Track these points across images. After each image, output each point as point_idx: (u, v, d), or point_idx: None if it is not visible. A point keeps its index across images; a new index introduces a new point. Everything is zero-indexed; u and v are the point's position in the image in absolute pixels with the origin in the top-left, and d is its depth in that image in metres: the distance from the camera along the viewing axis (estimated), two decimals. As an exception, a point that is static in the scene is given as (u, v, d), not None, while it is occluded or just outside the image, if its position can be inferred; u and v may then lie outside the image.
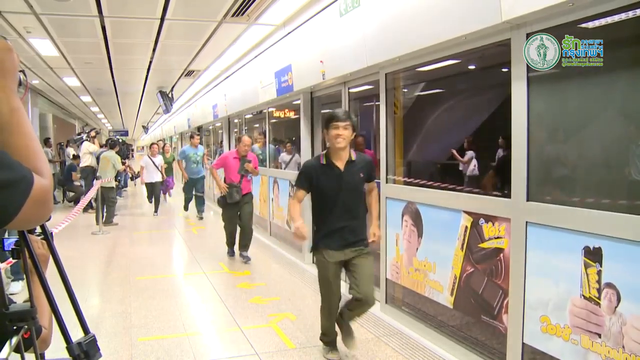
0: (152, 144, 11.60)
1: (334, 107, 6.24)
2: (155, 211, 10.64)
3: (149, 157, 10.73)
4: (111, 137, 20.02)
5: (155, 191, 10.65)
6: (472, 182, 5.60)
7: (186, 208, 10.61)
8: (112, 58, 8.11)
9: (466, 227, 3.33)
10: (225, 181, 6.25)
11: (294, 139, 7.66)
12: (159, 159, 10.82)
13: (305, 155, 6.27)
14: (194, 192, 10.25)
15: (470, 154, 5.81)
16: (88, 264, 6.47)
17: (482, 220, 3.20)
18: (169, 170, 11.99)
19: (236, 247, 6.52)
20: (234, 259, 6.48)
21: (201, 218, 10.04)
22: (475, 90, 5.18)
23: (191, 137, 10.17)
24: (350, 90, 5.23)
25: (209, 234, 8.53)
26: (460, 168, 5.86)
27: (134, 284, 5.47)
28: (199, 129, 14.96)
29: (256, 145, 8.59)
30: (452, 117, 5.67)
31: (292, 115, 8.66)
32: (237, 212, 6.28)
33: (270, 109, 8.01)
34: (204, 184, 10.55)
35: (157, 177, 10.62)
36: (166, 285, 5.45)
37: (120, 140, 10.90)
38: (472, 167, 5.74)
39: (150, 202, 11.02)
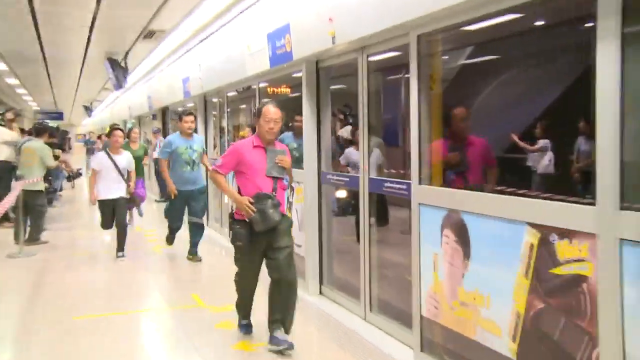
0: (130, 130, 11.29)
1: (348, 81, 6.20)
2: (120, 250, 8.30)
3: (108, 153, 8.19)
4: (39, 121, 20.15)
5: (118, 215, 8.14)
6: (546, 182, 5.55)
7: (170, 241, 8.40)
8: (37, 10, 8.05)
9: (532, 245, 3.29)
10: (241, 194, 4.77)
11: (290, 124, 7.64)
12: (125, 157, 8.25)
13: (309, 144, 6.24)
14: (185, 217, 8.13)
15: (544, 143, 5.75)
16: (1, 299, 6.45)
17: (554, 236, 3.15)
18: (137, 171, 9.11)
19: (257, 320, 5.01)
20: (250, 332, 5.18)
21: (195, 259, 8.08)
22: (544, 55, 5.12)
23: (180, 118, 7.84)
24: (370, 59, 5.21)
25: (177, 253, 8.52)
26: (529, 163, 5.82)
27: (69, 325, 5.45)
28: (164, 111, 15.00)
29: (289, 134, 7.43)
30: (511, 94, 5.62)
31: (290, 92, 8.63)
32: (262, 253, 4.72)
33: (261, 84, 7.99)
34: (206, 202, 8.80)
35: (120, 191, 8.12)
36: (116, 327, 5.43)
37: (55, 126, 10.89)
38: (547, 162, 5.69)
39: (107, 228, 8.39)
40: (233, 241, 4.68)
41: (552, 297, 3.19)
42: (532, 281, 3.31)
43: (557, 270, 3.14)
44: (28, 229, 9.38)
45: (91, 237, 10.24)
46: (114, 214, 8.13)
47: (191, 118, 7.66)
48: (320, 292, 6.24)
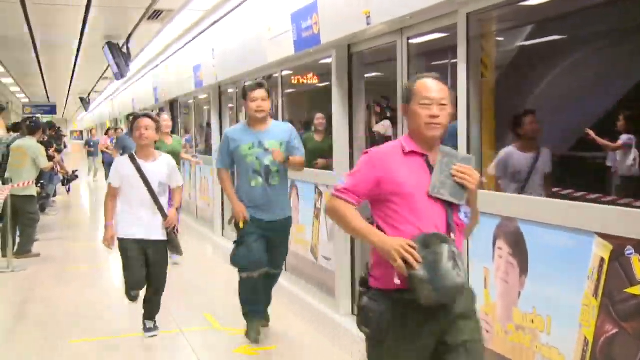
0: (157, 117, 6.15)
1: (385, 68, 6.21)
2: (150, 319, 6.02)
3: (134, 158, 5.74)
4: (29, 115, 20.39)
5: (155, 268, 5.86)
6: (629, 186, 5.47)
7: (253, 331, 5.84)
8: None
9: (602, 259, 3.26)
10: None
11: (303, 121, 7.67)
12: (164, 165, 5.86)
13: (339, 142, 6.25)
14: None
15: (627, 139, 5.65)
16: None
17: (629, 250, 3.12)
18: None
19: None
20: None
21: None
22: (622, 34, 5.05)
23: (244, 95, 5.68)
24: (412, 42, 5.20)
25: (188, 268, 8.60)
26: (609, 164, 5.73)
27: (64, 351, 5.52)
28: (172, 103, 15.16)
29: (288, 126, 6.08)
30: (581, 81, 5.56)
31: (317, 82, 8.66)
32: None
33: (285, 73, 8.03)
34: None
35: (155, 226, 5.75)
36: (119, 353, 5.52)
37: (48, 122, 11.00)
38: (630, 162, 5.60)
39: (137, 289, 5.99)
40: (366, 328, 2.98)
41: (628, 321, 3.16)
42: (602, 302, 3.28)
43: (634, 290, 3.11)
44: (17, 239, 9.53)
45: (88, 249, 10.39)
46: (147, 264, 5.75)
47: (261, 94, 5.50)
48: (353, 312, 6.25)
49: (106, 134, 21.07)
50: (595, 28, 5.13)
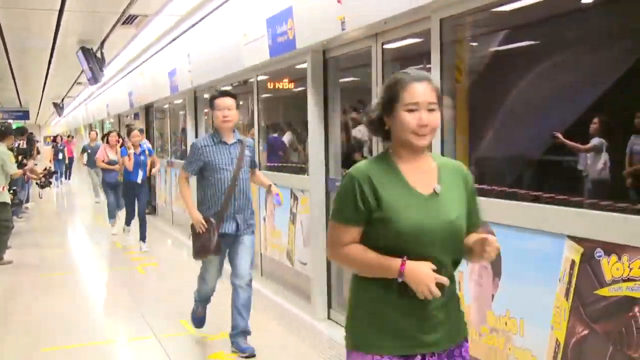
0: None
1: (360, 72, 6.24)
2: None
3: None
4: (0, 121, 20.06)
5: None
6: (600, 190, 5.51)
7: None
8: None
9: (573, 261, 3.30)
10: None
11: (289, 123, 7.68)
12: None
13: (314, 146, 6.28)
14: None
15: (598, 142, 5.69)
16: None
17: (599, 252, 3.17)
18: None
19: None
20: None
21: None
22: (595, 40, 5.12)
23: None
24: (386, 47, 5.24)
25: (164, 273, 8.56)
26: (580, 167, 5.78)
27: (36, 359, 5.46)
28: (148, 109, 15.09)
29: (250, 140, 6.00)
30: (553, 86, 5.62)
31: (294, 87, 8.68)
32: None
33: (260, 78, 8.04)
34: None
35: None
36: (92, 359, 5.45)
37: (20, 128, 10.84)
38: (601, 166, 5.64)
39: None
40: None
41: (598, 322, 3.20)
42: (573, 304, 3.32)
43: (604, 292, 3.15)
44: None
45: (62, 256, 10.30)
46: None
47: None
48: (329, 317, 6.27)
49: (106, 140, 12.48)
50: (569, 33, 5.18)
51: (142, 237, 10.23)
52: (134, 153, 10.25)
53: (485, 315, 3.97)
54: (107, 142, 12.13)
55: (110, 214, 12.16)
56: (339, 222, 2.49)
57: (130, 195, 10.52)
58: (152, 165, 10.92)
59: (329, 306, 6.31)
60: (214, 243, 5.11)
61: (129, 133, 10.72)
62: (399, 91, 2.46)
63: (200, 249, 5.17)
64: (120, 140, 12.08)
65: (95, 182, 17.67)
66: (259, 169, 5.98)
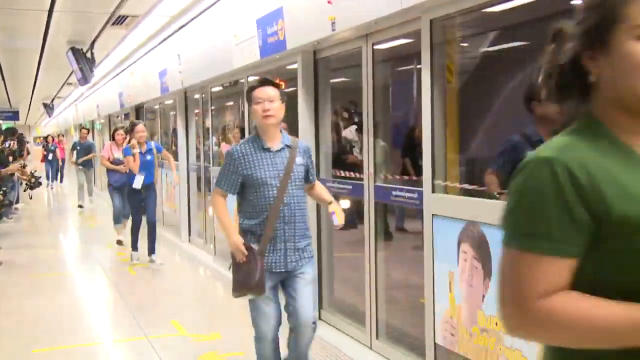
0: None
1: (350, 73, 6.24)
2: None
3: None
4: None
5: None
6: None
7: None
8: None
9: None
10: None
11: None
12: None
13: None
14: None
15: None
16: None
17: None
18: None
19: None
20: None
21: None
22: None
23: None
24: (377, 48, 5.24)
25: (155, 275, 8.55)
26: None
27: None
28: (138, 109, 15.06)
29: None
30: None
31: (284, 87, 8.68)
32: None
33: (251, 78, 8.03)
34: None
35: None
36: None
37: (9, 128, 10.84)
38: None
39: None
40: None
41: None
42: (563, 303, 3.32)
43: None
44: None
45: (53, 256, 10.26)
46: None
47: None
48: (320, 317, 6.26)
49: (112, 137, 11.47)
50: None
51: (151, 249, 9.06)
52: (140, 152, 8.79)
53: (476, 315, 3.97)
54: (114, 139, 10.98)
55: (116, 218, 10.80)
56: (536, 253, 1.32)
57: (135, 202, 9.15)
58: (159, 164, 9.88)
59: (320, 307, 6.31)
60: (256, 278, 3.90)
61: (132, 128, 9.08)
62: (620, 5, 1.35)
63: (239, 283, 4.02)
64: (127, 138, 10.25)
65: (81, 182, 16.54)
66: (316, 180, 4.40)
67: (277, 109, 4.00)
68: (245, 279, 3.95)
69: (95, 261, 9.68)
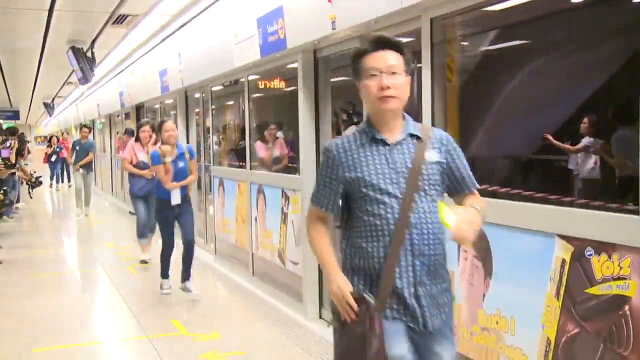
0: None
1: (351, 72, 6.22)
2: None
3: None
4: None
5: None
6: (590, 189, 5.51)
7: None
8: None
9: (564, 260, 3.30)
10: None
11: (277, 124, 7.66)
12: None
13: (305, 145, 6.29)
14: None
15: (587, 142, 5.69)
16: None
17: (589, 251, 3.18)
18: None
19: None
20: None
21: None
22: (587, 39, 5.13)
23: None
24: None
25: (156, 273, 8.52)
26: (570, 166, 5.79)
27: (27, 359, 5.43)
28: (139, 108, 15.05)
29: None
30: (544, 85, 5.64)
31: (285, 86, 8.67)
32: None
33: (251, 78, 8.02)
34: None
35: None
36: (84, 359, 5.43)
37: (10, 128, 10.82)
38: (591, 166, 5.65)
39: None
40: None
41: (588, 321, 3.21)
42: (564, 302, 3.32)
43: (594, 290, 3.15)
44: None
45: (53, 256, 10.25)
46: None
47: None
48: (320, 316, 6.26)
49: (136, 139, 9.42)
50: (559, 33, 5.20)
51: (187, 275, 7.14)
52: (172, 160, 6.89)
53: (476, 314, 3.97)
54: (137, 139, 9.13)
55: (140, 232, 9.16)
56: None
57: (167, 218, 7.07)
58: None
59: (321, 305, 6.30)
60: (374, 350, 2.52)
61: (160, 127, 7.03)
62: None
63: (345, 355, 2.65)
64: (154, 136, 8.62)
65: (79, 187, 14.55)
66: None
67: (402, 85, 2.67)
68: (355, 353, 2.55)
69: (96, 260, 9.66)
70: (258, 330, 6.04)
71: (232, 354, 5.37)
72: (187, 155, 7.08)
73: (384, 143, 2.69)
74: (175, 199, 6.87)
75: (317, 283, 6.29)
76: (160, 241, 7.38)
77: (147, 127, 9.05)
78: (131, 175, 9.07)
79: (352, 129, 8.26)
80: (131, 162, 8.96)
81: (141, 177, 8.89)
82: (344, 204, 2.75)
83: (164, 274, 7.30)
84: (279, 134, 8.64)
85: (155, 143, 8.21)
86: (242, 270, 7.95)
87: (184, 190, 7.04)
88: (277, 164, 8.29)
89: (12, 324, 6.48)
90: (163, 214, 7.06)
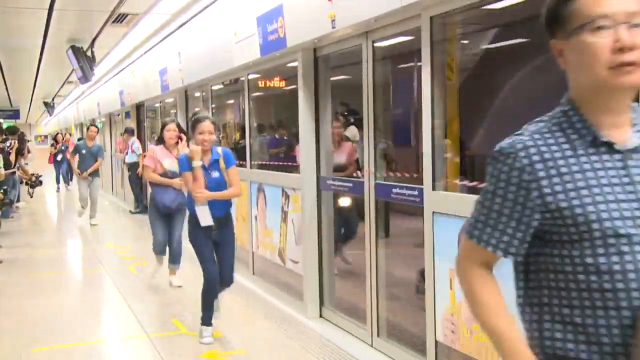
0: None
1: (351, 71, 6.23)
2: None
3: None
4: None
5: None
6: None
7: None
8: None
9: (564, 259, 3.30)
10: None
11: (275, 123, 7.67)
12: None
13: (306, 144, 6.29)
14: None
15: None
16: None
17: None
18: None
19: None
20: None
21: None
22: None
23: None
24: (377, 45, 5.24)
25: (155, 273, 8.53)
26: None
27: (27, 358, 5.44)
28: (139, 107, 15.06)
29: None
30: (546, 83, 5.65)
31: (285, 85, 8.68)
32: None
33: (251, 76, 8.03)
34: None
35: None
36: (84, 359, 5.43)
37: (10, 127, 10.80)
38: None
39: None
40: None
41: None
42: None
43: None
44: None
45: (53, 255, 10.25)
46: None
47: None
48: (321, 315, 6.27)
49: (159, 141, 7.49)
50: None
51: (210, 312, 5.64)
52: (202, 165, 5.31)
53: (476, 312, 3.97)
54: (162, 140, 7.31)
55: (157, 247, 7.63)
56: None
57: (203, 239, 5.46)
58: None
59: (321, 304, 6.31)
60: None
61: (193, 126, 5.37)
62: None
63: None
64: (183, 137, 7.34)
65: (84, 197, 12.78)
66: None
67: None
68: None
69: (96, 260, 9.67)
70: (258, 329, 6.05)
71: (233, 353, 5.38)
72: (222, 164, 5.42)
73: (613, 149, 1.62)
74: (205, 218, 5.34)
75: (318, 282, 6.30)
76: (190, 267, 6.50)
77: (172, 126, 7.36)
78: (155, 185, 7.33)
79: (352, 129, 8.26)
80: (154, 170, 7.19)
81: (168, 187, 7.18)
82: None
83: (205, 319, 5.57)
84: (348, 133, 7.28)
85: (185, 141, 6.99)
86: (242, 269, 7.95)
87: (221, 208, 5.48)
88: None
89: (12, 324, 6.48)
90: (199, 234, 5.44)
